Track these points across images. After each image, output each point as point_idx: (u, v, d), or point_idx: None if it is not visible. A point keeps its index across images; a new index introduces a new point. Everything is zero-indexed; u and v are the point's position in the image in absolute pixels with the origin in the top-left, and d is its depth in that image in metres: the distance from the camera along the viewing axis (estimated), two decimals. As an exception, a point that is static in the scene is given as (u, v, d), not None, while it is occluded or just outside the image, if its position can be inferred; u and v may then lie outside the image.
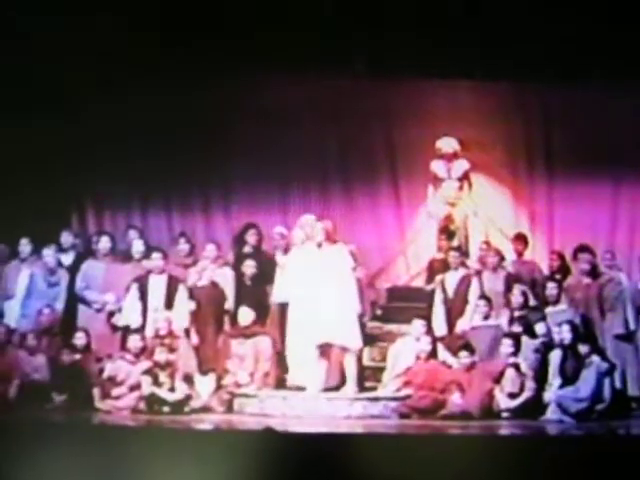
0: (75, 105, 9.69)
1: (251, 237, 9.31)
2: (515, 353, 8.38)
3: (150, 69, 9.28)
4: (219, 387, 8.64)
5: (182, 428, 7.76)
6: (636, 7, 8.79)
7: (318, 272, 8.44)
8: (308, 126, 10.00)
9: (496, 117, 10.01)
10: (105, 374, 8.60)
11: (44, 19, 8.84)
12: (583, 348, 8.29)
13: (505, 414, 8.22)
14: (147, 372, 8.49)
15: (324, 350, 8.43)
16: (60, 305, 9.16)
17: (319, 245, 8.53)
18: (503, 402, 8.24)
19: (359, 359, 8.60)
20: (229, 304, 9.04)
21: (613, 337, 8.66)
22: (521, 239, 9.51)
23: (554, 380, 8.29)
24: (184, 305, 8.89)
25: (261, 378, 8.63)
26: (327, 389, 8.51)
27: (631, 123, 9.73)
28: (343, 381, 8.51)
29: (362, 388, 8.57)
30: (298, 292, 8.50)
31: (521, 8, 8.86)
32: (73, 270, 9.28)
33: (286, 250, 9.01)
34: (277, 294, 8.75)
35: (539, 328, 8.60)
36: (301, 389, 8.46)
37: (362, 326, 8.90)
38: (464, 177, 9.80)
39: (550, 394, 8.23)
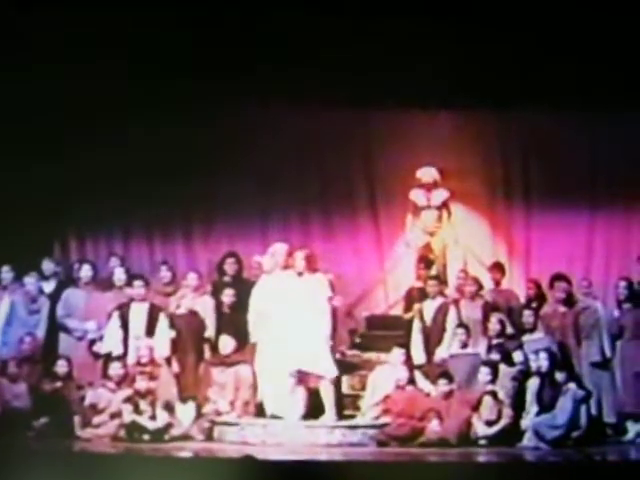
0: (59, 137, 9.76)
1: (230, 266, 9.39)
2: (493, 381, 8.47)
3: (133, 104, 9.36)
4: (199, 415, 8.68)
5: (162, 456, 7.78)
6: (611, 42, 8.96)
7: (293, 300, 8.51)
8: (289, 156, 10.11)
9: (475, 147, 10.15)
10: (86, 402, 8.63)
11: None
12: (560, 375, 8.39)
13: (482, 441, 8.29)
14: (128, 400, 8.52)
15: (300, 378, 8.49)
16: (41, 333, 9.18)
17: (299, 274, 8.61)
18: (481, 429, 8.32)
19: (337, 387, 8.66)
20: (209, 332, 9.10)
21: (589, 364, 8.77)
22: (498, 268, 9.63)
23: (531, 407, 8.38)
24: (165, 333, 8.94)
25: (241, 406, 8.68)
26: (307, 417, 8.56)
27: (607, 154, 9.90)
28: (322, 409, 8.56)
29: (341, 416, 8.62)
30: (267, 320, 8.56)
31: (501, 39, 9.01)
32: (54, 298, 9.31)
33: (264, 279, 9.08)
34: (251, 322, 8.80)
35: (516, 356, 8.70)
36: (278, 418, 8.50)
37: (341, 354, 9.00)
38: (443, 206, 9.93)
39: (527, 421, 8.32)
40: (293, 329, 8.48)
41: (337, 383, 8.77)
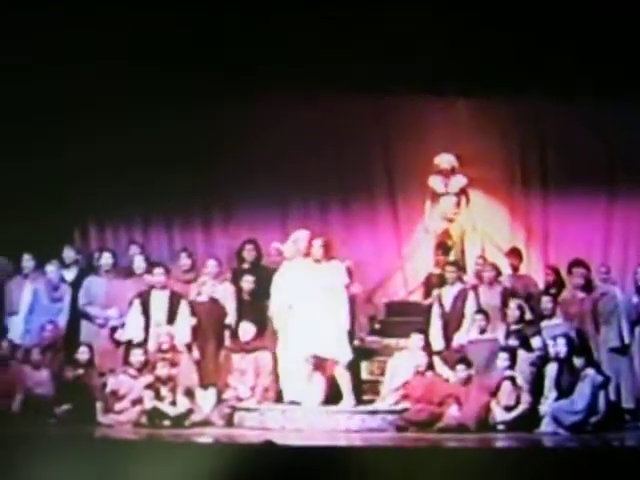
0: (79, 126, 9.80)
1: (249, 253, 9.43)
2: (511, 366, 8.48)
3: (152, 93, 9.39)
4: (220, 401, 8.75)
5: (183, 441, 7.85)
6: (630, 28, 8.91)
7: (311, 287, 8.56)
8: (307, 144, 10.11)
9: (493, 134, 10.13)
10: (108, 388, 8.70)
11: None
12: (578, 361, 8.40)
13: (501, 427, 8.32)
14: (149, 386, 8.59)
15: (317, 364, 8.54)
16: (63, 320, 9.26)
17: (317, 260, 8.65)
18: (499, 415, 8.35)
19: (355, 373, 8.69)
20: (230, 319, 9.15)
21: (607, 350, 8.77)
22: (516, 254, 9.63)
23: (550, 393, 8.40)
24: (186, 320, 9.00)
25: (261, 392, 8.74)
26: (326, 403, 8.61)
27: (624, 140, 9.85)
28: (339, 394, 8.60)
29: (360, 401, 8.67)
30: (288, 306, 8.61)
31: (518, 27, 8.98)
32: (76, 286, 9.38)
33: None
34: (272, 309, 8.86)
35: (535, 342, 8.71)
36: (296, 404, 8.55)
37: (360, 340, 9.03)
38: (461, 193, 9.93)
39: (545, 407, 8.34)
40: (311, 316, 8.51)
41: (356, 369, 8.82)
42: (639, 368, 8.68)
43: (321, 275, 8.60)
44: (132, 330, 9.02)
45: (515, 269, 9.56)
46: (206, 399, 8.75)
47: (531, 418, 8.33)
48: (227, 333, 9.11)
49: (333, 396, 8.65)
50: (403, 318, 9.51)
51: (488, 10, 8.92)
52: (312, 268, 8.66)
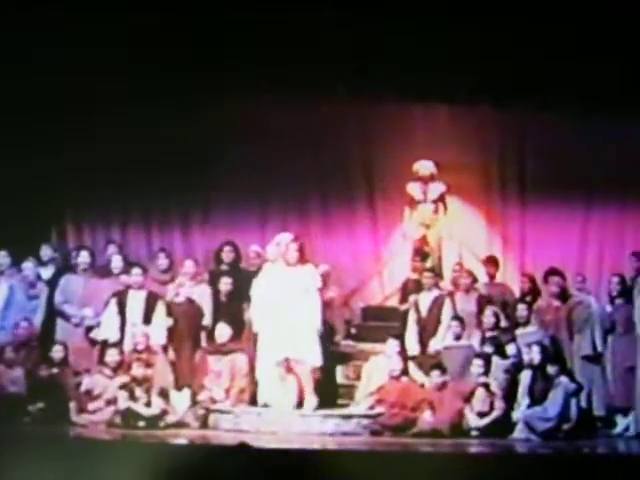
0: (58, 125, 9.77)
1: (227, 254, 9.43)
2: (485, 373, 8.54)
3: (132, 93, 9.38)
4: (195, 403, 8.73)
5: (157, 442, 7.85)
6: (609, 41, 9.00)
7: (286, 290, 8.57)
8: (287, 147, 10.13)
9: (472, 141, 10.19)
10: (82, 388, 8.67)
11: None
12: (552, 369, 8.47)
13: (474, 432, 8.37)
14: (124, 387, 8.57)
15: (289, 367, 8.55)
16: (38, 318, 9.21)
17: (292, 264, 8.66)
18: (473, 421, 8.40)
19: (329, 375, 8.71)
20: (206, 320, 9.15)
21: (581, 358, 8.85)
22: (492, 262, 9.70)
23: (523, 400, 8.46)
24: (162, 321, 8.99)
25: (236, 394, 8.73)
26: (300, 406, 8.62)
27: (602, 151, 9.93)
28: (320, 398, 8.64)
29: (335, 405, 8.70)
30: (266, 309, 8.63)
31: (500, 34, 9.04)
32: (52, 284, 9.34)
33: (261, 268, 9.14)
34: (252, 312, 8.87)
35: (509, 349, 8.78)
36: (268, 406, 8.56)
37: (335, 344, 9.05)
38: (440, 200, 9.97)
39: (518, 413, 8.40)
40: (285, 319, 8.53)
41: (331, 373, 8.84)
42: (611, 377, 8.76)
43: (295, 279, 8.61)
44: (108, 330, 8.99)
45: (491, 277, 9.63)
46: (181, 400, 8.73)
47: (504, 424, 8.39)
48: (203, 334, 9.10)
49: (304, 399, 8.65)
50: (379, 323, 9.55)
51: (470, 16, 8.97)
52: (287, 272, 8.67)
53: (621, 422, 8.68)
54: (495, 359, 8.67)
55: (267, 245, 9.04)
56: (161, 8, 8.78)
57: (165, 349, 8.94)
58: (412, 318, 9.12)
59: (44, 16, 8.84)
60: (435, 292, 9.20)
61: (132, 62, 9.03)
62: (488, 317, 8.91)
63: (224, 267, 9.46)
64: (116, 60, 8.97)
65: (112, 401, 8.57)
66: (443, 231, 9.93)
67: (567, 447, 8.01)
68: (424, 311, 9.13)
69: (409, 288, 9.45)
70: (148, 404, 8.54)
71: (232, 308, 9.11)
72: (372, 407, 8.59)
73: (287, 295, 8.56)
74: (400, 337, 8.90)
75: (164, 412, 8.55)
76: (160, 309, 9.01)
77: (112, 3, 8.76)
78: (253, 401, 8.75)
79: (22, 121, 9.51)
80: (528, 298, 9.24)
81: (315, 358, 8.54)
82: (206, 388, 8.78)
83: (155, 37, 8.90)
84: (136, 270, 9.10)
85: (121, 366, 8.70)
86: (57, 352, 8.80)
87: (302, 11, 8.82)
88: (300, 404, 8.61)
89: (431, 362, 8.77)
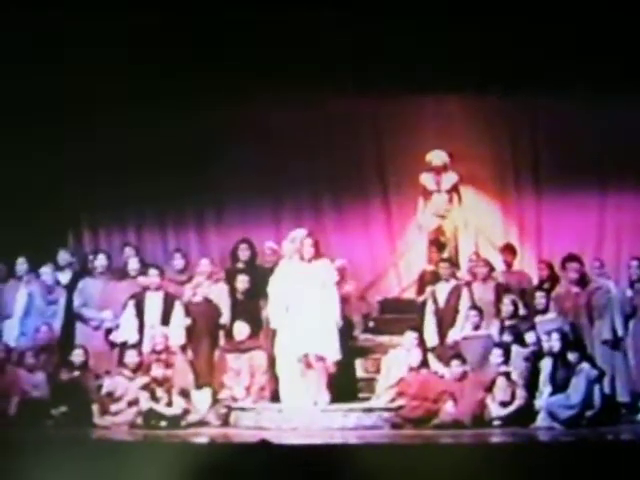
0: (73, 127, 9.80)
1: (243, 252, 9.44)
2: (506, 362, 8.49)
3: (145, 94, 9.38)
4: (215, 401, 8.74)
5: (179, 442, 7.87)
6: (622, 23, 8.93)
7: (303, 286, 8.56)
8: (299, 142, 10.12)
9: (485, 130, 10.14)
10: (103, 390, 8.71)
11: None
12: (572, 356, 8.41)
13: (497, 422, 8.33)
14: (144, 387, 8.60)
15: (309, 362, 8.54)
16: (58, 323, 9.27)
17: (308, 260, 8.64)
18: (495, 411, 8.36)
19: (349, 369, 8.68)
20: (224, 319, 9.15)
21: (602, 344, 8.79)
22: (509, 250, 9.64)
23: (544, 388, 8.41)
24: (180, 321, 9.00)
25: (257, 392, 8.74)
26: (320, 401, 8.62)
27: (615, 134, 9.86)
28: (338, 393, 8.60)
29: (356, 399, 8.68)
30: (285, 306, 8.62)
31: (509, 22, 8.98)
32: (70, 288, 9.39)
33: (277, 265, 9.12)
34: (270, 309, 8.87)
35: (529, 337, 8.72)
36: (293, 403, 8.55)
37: (353, 338, 9.03)
38: (453, 189, 9.93)
39: (541, 402, 8.35)
40: (303, 315, 8.52)
41: (351, 367, 8.81)
42: (633, 362, 8.68)
43: (312, 274, 8.59)
44: (126, 331, 9.02)
45: (509, 265, 9.58)
46: (202, 399, 8.75)
47: (526, 413, 8.34)
48: (221, 333, 9.11)
49: (330, 395, 8.63)
50: (397, 315, 9.53)
51: (479, 7, 8.92)
52: (303, 267, 8.65)
53: (645, 408, 8.63)
54: (515, 348, 8.62)
55: (282, 241, 9.04)
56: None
57: (184, 349, 8.96)
58: (430, 309, 9.08)
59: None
60: (452, 282, 9.16)
61: (134, 62, 9.03)
62: (506, 306, 8.86)
63: (240, 265, 9.46)
64: (119, 60, 8.98)
65: (134, 402, 8.60)
66: (458, 221, 9.89)
67: (590, 434, 7.95)
68: (442, 302, 9.09)
69: (426, 279, 9.42)
70: (169, 404, 8.57)
71: (249, 306, 9.12)
72: (393, 400, 8.56)
73: (304, 291, 8.55)
74: (418, 329, 8.87)
75: (185, 411, 8.58)
76: (178, 309, 9.03)
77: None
78: (274, 398, 8.75)
79: (38, 127, 9.55)
80: (546, 285, 9.18)
81: (335, 352, 8.52)
82: (226, 386, 8.79)
83: (158, 37, 8.91)
84: (153, 271, 9.13)
85: (141, 367, 8.74)
86: (77, 356, 8.85)
87: (304, 10, 8.80)
88: (324, 399, 8.59)
89: (450, 353, 8.74)
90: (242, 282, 9.19)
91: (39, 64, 9.06)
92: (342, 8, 8.82)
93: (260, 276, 9.09)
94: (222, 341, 9.10)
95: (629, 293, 8.89)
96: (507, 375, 8.44)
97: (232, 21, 9.03)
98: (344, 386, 8.69)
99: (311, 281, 8.58)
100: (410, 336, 8.72)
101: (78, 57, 9.01)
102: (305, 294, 8.56)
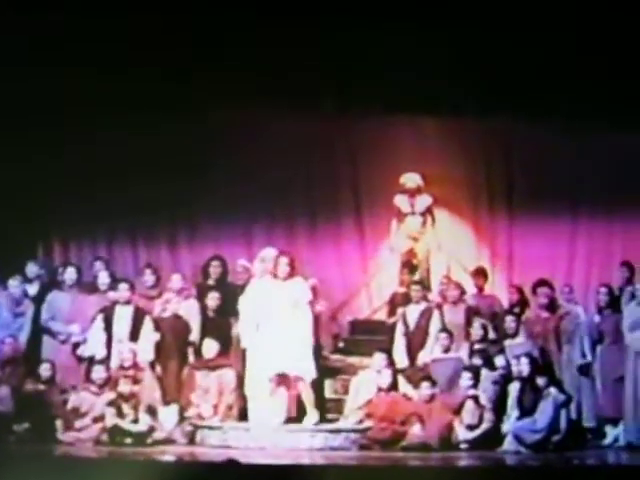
0: (42, 140, 9.73)
1: (214, 269, 9.40)
2: (474, 385, 8.51)
3: (118, 106, 9.36)
4: (182, 419, 8.69)
5: (145, 460, 7.78)
6: (593, 49, 9.03)
7: (275, 305, 8.54)
8: (274, 161, 10.12)
9: (459, 154, 10.19)
10: (69, 405, 8.63)
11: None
12: (541, 380, 8.45)
13: (464, 445, 8.34)
14: (111, 403, 8.52)
15: (281, 381, 8.50)
16: (24, 335, 9.16)
17: (282, 278, 8.63)
18: (462, 434, 8.36)
19: (319, 390, 8.68)
20: (194, 336, 9.10)
21: (570, 369, 8.82)
22: (481, 273, 9.67)
23: (512, 412, 8.43)
24: (149, 337, 8.95)
25: (224, 410, 8.69)
26: (290, 421, 8.58)
27: (589, 162, 9.96)
28: (303, 412, 8.58)
29: (324, 420, 8.66)
30: (256, 324, 8.59)
31: (486, 46, 9.06)
32: (38, 301, 9.30)
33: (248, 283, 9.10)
34: (240, 328, 8.82)
35: (498, 361, 8.75)
36: (261, 422, 8.51)
37: (323, 358, 9.01)
38: (427, 212, 9.96)
39: (508, 425, 8.37)
40: (276, 333, 8.49)
41: (319, 387, 8.80)
42: (600, 387, 8.73)
43: (285, 292, 8.58)
44: (94, 346, 8.95)
45: (480, 288, 9.61)
46: (168, 417, 8.68)
47: (494, 437, 8.36)
48: (191, 350, 9.05)
49: (296, 414, 8.61)
50: (367, 336, 9.52)
51: (456, 29, 8.99)
52: (277, 286, 8.64)
53: (611, 433, 8.66)
54: (484, 371, 8.64)
55: (254, 259, 9.02)
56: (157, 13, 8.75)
57: (152, 365, 8.89)
58: (400, 331, 9.09)
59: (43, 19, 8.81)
60: (423, 305, 9.17)
61: (105, 70, 8.98)
62: (476, 329, 8.89)
63: (211, 282, 9.42)
64: (106, 77, 8.95)
65: (99, 418, 8.52)
66: (431, 243, 9.92)
67: (557, 459, 7.98)
68: (412, 324, 9.10)
69: (397, 301, 9.42)
70: (135, 421, 8.49)
71: (219, 323, 9.07)
72: (361, 421, 8.55)
73: (278, 309, 8.51)
74: (388, 350, 8.86)
75: (151, 429, 8.50)
76: (147, 325, 8.98)
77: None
78: (241, 417, 8.70)
79: (8, 139, 9.47)
80: (516, 309, 9.23)
81: (311, 372, 8.50)
82: (194, 404, 8.73)
83: (149, 48, 8.88)
84: (123, 285, 9.07)
85: (108, 383, 8.66)
86: (45, 370, 8.76)
87: (289, 24, 8.82)
88: (290, 419, 8.54)
89: (420, 375, 8.74)
90: (213, 299, 9.15)
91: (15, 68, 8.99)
92: (320, 25, 8.84)
93: (231, 294, 9.05)
94: (191, 358, 9.04)
95: (597, 319, 8.95)
96: (475, 398, 8.45)
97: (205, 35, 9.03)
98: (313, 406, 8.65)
99: (285, 300, 8.55)
100: (379, 357, 8.72)
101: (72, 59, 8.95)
102: (279, 313, 8.52)
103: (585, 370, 8.80)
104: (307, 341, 8.53)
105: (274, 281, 8.66)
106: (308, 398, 8.51)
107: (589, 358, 8.80)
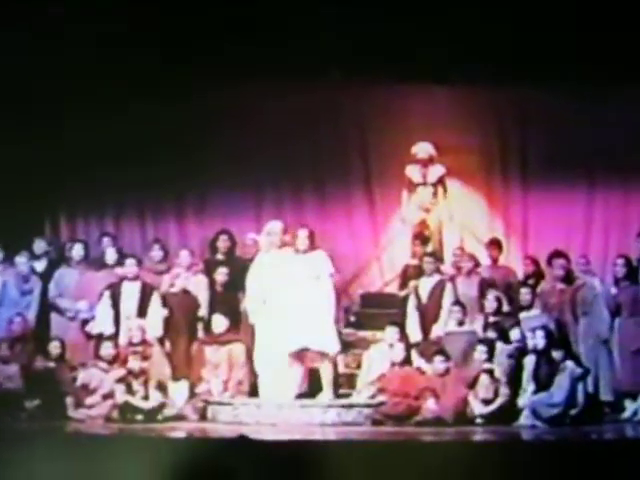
0: (47, 115, 9.61)
1: (223, 243, 9.28)
2: (489, 359, 8.38)
3: (124, 80, 9.23)
4: (193, 395, 8.61)
5: (155, 436, 7.72)
6: (607, 15, 8.84)
7: (295, 278, 8.39)
8: (282, 133, 9.95)
9: (472, 122, 10.02)
10: (78, 382, 8.57)
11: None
12: (557, 353, 8.31)
13: (479, 420, 8.21)
14: (120, 380, 8.46)
15: (300, 356, 8.39)
16: (32, 313, 9.10)
17: (302, 251, 8.46)
18: (477, 408, 8.24)
19: (335, 365, 8.58)
20: (202, 311, 9.00)
21: (586, 342, 8.68)
22: (495, 244, 9.53)
23: (528, 386, 8.30)
24: (158, 312, 8.86)
25: (235, 386, 8.60)
26: (303, 396, 8.48)
27: (605, 128, 9.77)
28: (318, 387, 8.48)
29: (337, 395, 8.54)
30: (262, 300, 8.46)
31: (498, 13, 8.87)
32: (46, 278, 9.23)
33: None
34: (247, 303, 8.70)
35: (513, 334, 8.61)
36: (273, 398, 8.41)
37: (336, 332, 8.90)
38: (439, 182, 9.79)
39: (524, 400, 8.24)
40: (294, 308, 8.34)
41: (334, 361, 8.69)
42: (618, 360, 8.59)
43: (306, 265, 8.41)
44: (102, 323, 8.87)
45: (494, 260, 9.46)
46: (178, 393, 8.60)
47: (509, 411, 8.23)
48: (200, 325, 8.96)
49: (311, 389, 8.51)
50: (379, 310, 9.40)
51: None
52: (295, 259, 8.47)
53: (629, 406, 8.51)
54: (499, 344, 8.50)
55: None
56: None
57: (161, 341, 8.80)
58: (412, 304, 8.95)
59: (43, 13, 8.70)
60: (436, 277, 9.02)
61: (124, 53, 8.86)
62: (490, 302, 8.74)
63: (220, 256, 9.31)
64: (110, 54, 8.79)
65: (109, 395, 8.46)
66: (443, 214, 9.76)
67: (574, 433, 7.86)
68: (424, 297, 8.95)
69: (409, 273, 9.28)
70: (146, 397, 8.42)
71: (228, 298, 8.96)
72: (374, 396, 8.43)
73: (296, 283, 8.35)
74: (400, 324, 8.73)
75: (162, 405, 8.43)
76: (155, 300, 8.89)
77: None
78: (253, 392, 8.60)
79: (14, 115, 9.36)
80: (531, 281, 9.07)
81: (335, 346, 8.37)
82: (204, 380, 8.65)
83: (151, 26, 8.75)
84: (130, 261, 8.98)
85: (117, 359, 8.58)
86: (54, 348, 8.70)
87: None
88: (304, 395, 8.43)
89: (433, 349, 8.61)
90: (221, 274, 9.04)
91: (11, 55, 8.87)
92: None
93: (240, 268, 8.93)
94: (200, 333, 8.94)
95: (614, 291, 8.79)
96: (490, 372, 8.32)
97: (214, 12, 8.88)
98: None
99: (306, 273, 8.38)
100: (391, 331, 8.59)
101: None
102: (296, 287, 8.34)
103: (602, 343, 8.64)
104: (329, 315, 8.37)
105: (289, 255, 8.49)
106: (326, 374, 8.39)
107: (606, 331, 8.63)
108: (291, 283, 8.41)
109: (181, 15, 8.86)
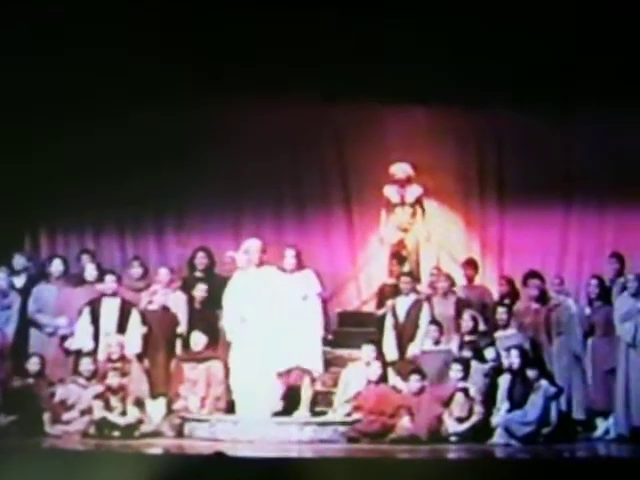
0: (27, 133, 9.64)
1: (200, 261, 9.33)
2: (464, 378, 8.46)
3: (107, 96, 9.28)
4: (170, 411, 8.63)
5: (132, 452, 7.73)
6: (584, 38, 8.98)
7: (283, 297, 8.43)
8: (262, 152, 10.05)
9: (449, 143, 10.13)
10: (56, 398, 8.56)
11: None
12: (531, 372, 8.41)
13: (453, 438, 8.29)
14: (98, 396, 8.47)
15: (285, 375, 8.43)
16: (11, 328, 9.09)
17: (289, 271, 8.51)
18: (451, 426, 8.32)
19: (313, 384, 8.64)
20: (181, 328, 9.04)
21: (560, 361, 8.78)
22: (471, 264, 9.64)
23: (502, 404, 8.39)
24: (137, 329, 8.88)
25: (212, 402, 8.63)
26: (278, 413, 8.52)
27: (581, 151, 9.91)
28: (295, 405, 8.53)
29: (313, 412, 8.59)
30: (243, 319, 8.52)
31: (477, 34, 8.99)
32: (25, 293, 9.23)
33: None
34: (225, 321, 8.75)
35: (488, 353, 8.71)
36: (249, 415, 8.45)
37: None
38: (417, 203, 9.89)
39: (498, 418, 8.33)
40: (280, 327, 8.38)
41: (315, 380, 8.75)
42: (591, 379, 8.70)
43: (293, 285, 8.45)
44: (81, 339, 8.88)
45: (470, 280, 9.56)
46: (156, 409, 8.63)
47: (483, 429, 8.31)
48: (178, 342, 8.99)
49: (287, 407, 8.55)
50: (356, 328, 9.46)
51: (446, 17, 8.92)
52: (280, 278, 8.51)
53: (601, 425, 8.62)
54: (474, 363, 8.59)
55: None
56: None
57: (140, 357, 8.83)
58: (389, 323, 9.03)
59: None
60: (413, 296, 9.11)
61: (98, 67, 8.91)
62: (466, 321, 8.84)
63: (198, 274, 9.36)
64: (84, 68, 8.85)
65: (87, 411, 8.47)
66: (421, 234, 9.85)
67: (547, 451, 7.95)
68: (402, 316, 9.04)
69: (386, 293, 9.37)
70: (123, 413, 8.44)
71: (207, 315, 9.01)
72: (349, 414, 8.49)
73: (285, 302, 8.39)
74: (377, 342, 8.80)
75: (139, 421, 8.44)
76: (135, 317, 8.91)
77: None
78: (230, 409, 8.64)
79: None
80: (507, 301, 9.18)
81: (320, 367, 8.43)
82: (182, 397, 8.67)
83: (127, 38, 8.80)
84: (109, 277, 9.00)
85: (96, 375, 8.59)
86: (33, 364, 8.69)
87: (274, 13, 8.74)
88: (281, 412, 8.46)
89: (409, 367, 8.69)
90: (200, 291, 9.09)
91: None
92: (311, 10, 8.75)
93: (218, 285, 8.97)
94: (179, 350, 8.98)
95: (588, 311, 8.90)
96: (465, 391, 8.40)
97: (199, 31, 8.96)
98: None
99: (293, 293, 8.44)
100: (368, 349, 8.66)
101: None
102: (287, 305, 8.39)
103: (576, 362, 8.75)
104: (317, 335, 8.43)
105: (279, 273, 8.53)
106: (307, 393, 8.43)
107: (580, 351, 8.74)
108: (276, 302, 8.45)
109: (171, 31, 8.90)
